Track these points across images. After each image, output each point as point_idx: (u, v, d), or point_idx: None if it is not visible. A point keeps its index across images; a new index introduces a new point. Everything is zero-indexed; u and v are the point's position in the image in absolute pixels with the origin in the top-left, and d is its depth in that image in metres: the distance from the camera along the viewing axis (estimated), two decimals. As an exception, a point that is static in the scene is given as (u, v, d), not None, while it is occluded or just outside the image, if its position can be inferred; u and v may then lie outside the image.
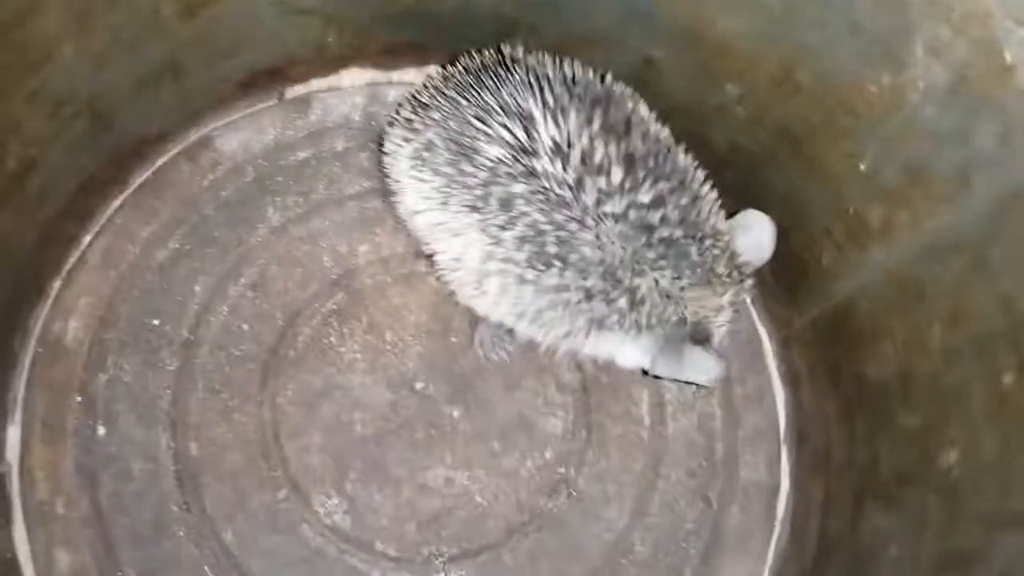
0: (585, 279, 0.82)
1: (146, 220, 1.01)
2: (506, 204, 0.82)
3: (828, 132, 0.90)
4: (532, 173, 0.81)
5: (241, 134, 1.06)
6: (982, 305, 0.78)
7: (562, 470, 1.02)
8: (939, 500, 0.79)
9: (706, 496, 1.04)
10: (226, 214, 1.04)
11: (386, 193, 0.96)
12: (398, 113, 0.92)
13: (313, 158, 1.07)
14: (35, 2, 0.72)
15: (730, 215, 0.90)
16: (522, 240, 0.82)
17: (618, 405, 1.05)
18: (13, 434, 0.93)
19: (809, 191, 0.96)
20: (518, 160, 0.81)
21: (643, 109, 0.88)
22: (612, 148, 0.81)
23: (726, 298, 0.86)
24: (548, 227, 0.81)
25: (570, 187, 0.80)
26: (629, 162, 0.81)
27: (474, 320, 1.03)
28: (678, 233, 0.82)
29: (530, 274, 0.83)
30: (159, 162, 1.02)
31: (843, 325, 0.97)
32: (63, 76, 0.80)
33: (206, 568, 0.95)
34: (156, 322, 0.99)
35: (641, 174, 0.82)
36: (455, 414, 1.02)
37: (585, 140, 0.81)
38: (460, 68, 0.89)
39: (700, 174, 0.87)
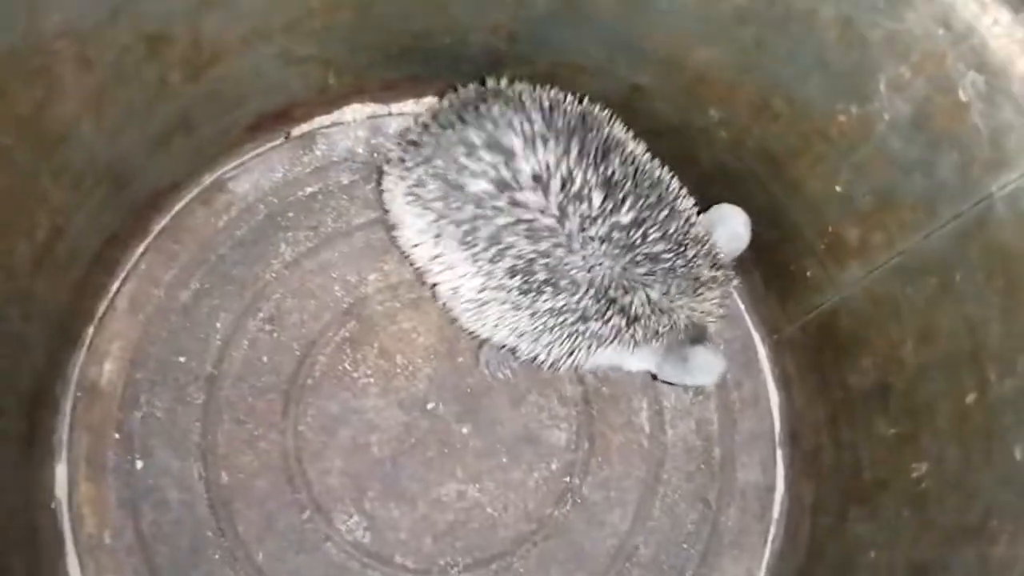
0: (579, 301, 0.87)
1: (168, 264, 1.08)
2: (494, 237, 0.86)
3: (806, 156, 0.94)
4: (516, 204, 0.85)
5: (251, 175, 1.12)
6: (949, 326, 0.82)
7: (567, 479, 1.09)
8: (911, 510, 0.84)
9: (705, 498, 1.10)
10: (241, 252, 1.10)
11: (389, 226, 1.02)
12: (392, 151, 0.97)
13: (320, 192, 1.13)
14: (52, 92, 0.78)
15: (703, 210, 0.94)
16: (512, 271, 0.87)
17: (619, 415, 1.11)
18: (61, 473, 1.01)
19: (791, 209, 1.00)
20: (501, 193, 0.85)
21: (618, 130, 0.91)
22: (591, 173, 0.85)
23: (714, 298, 0.92)
24: (535, 256, 0.85)
25: (554, 215, 0.84)
26: (608, 185, 0.85)
27: (479, 342, 1.09)
28: (661, 247, 0.87)
29: (524, 301, 0.88)
30: (176, 208, 1.09)
31: (828, 335, 1.02)
32: (82, 151, 0.86)
33: (241, 588, 1.03)
34: (182, 360, 1.06)
35: (620, 195, 0.86)
36: (464, 431, 1.09)
37: (564, 169, 0.85)
38: (445, 104, 0.94)
39: (675, 184, 0.92)
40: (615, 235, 0.85)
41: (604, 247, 0.85)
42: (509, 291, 0.88)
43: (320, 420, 1.07)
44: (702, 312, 0.91)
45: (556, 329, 0.89)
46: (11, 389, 0.91)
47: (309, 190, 1.13)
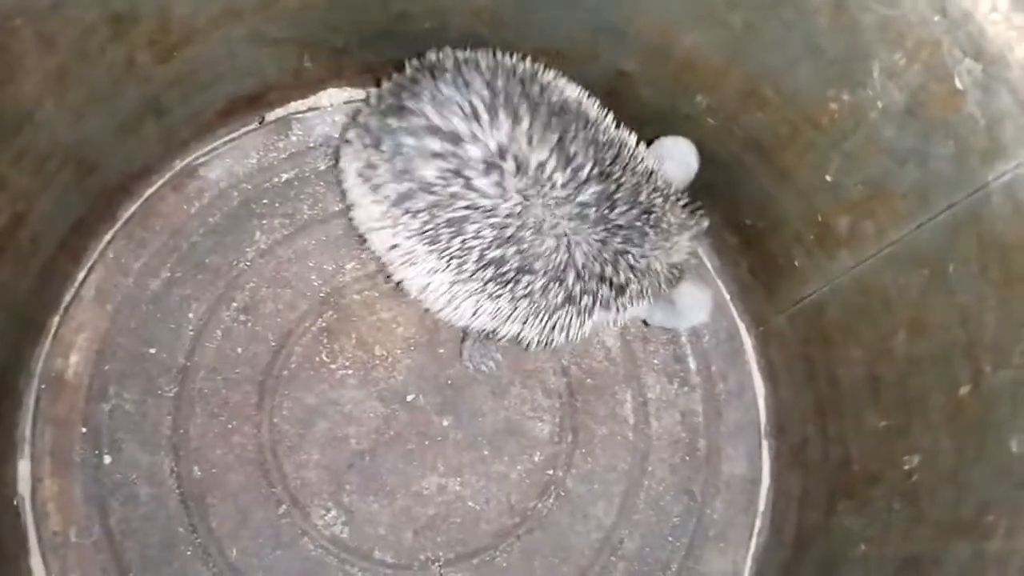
0: (562, 281, 0.85)
1: (137, 252, 1.04)
2: (455, 227, 0.83)
3: (795, 144, 0.92)
4: (472, 189, 0.81)
5: (224, 160, 1.08)
6: (942, 317, 0.81)
7: (551, 472, 1.07)
8: (902, 503, 0.83)
9: (690, 491, 1.09)
10: (214, 240, 1.07)
11: (347, 207, 0.97)
12: (348, 132, 0.93)
13: (296, 178, 1.10)
14: (10, 71, 0.74)
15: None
16: (482, 262, 0.84)
17: (603, 406, 1.09)
18: (24, 468, 0.97)
19: (780, 197, 0.98)
20: (456, 179, 0.81)
21: (564, 87, 0.88)
22: (546, 149, 0.82)
23: (685, 241, 0.91)
24: (504, 243, 0.82)
25: (514, 199, 0.81)
26: (567, 160, 0.82)
27: (462, 334, 1.06)
28: (632, 214, 0.85)
29: (501, 290, 0.86)
30: (146, 194, 1.05)
31: (816, 326, 1.00)
32: (45, 134, 0.82)
33: (215, 584, 1.01)
34: (153, 351, 1.03)
35: (581, 169, 0.82)
36: (445, 423, 1.06)
37: (517, 148, 0.81)
38: (387, 87, 0.89)
39: (631, 139, 0.89)
40: (586, 212, 0.83)
41: (575, 224, 0.83)
42: (485, 282, 0.85)
43: (296, 412, 1.04)
44: (678, 256, 0.90)
45: (542, 312, 0.87)
46: (-29, 382, 0.87)
47: (285, 176, 1.09)
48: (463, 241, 0.83)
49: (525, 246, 0.83)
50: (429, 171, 0.82)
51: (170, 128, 1.01)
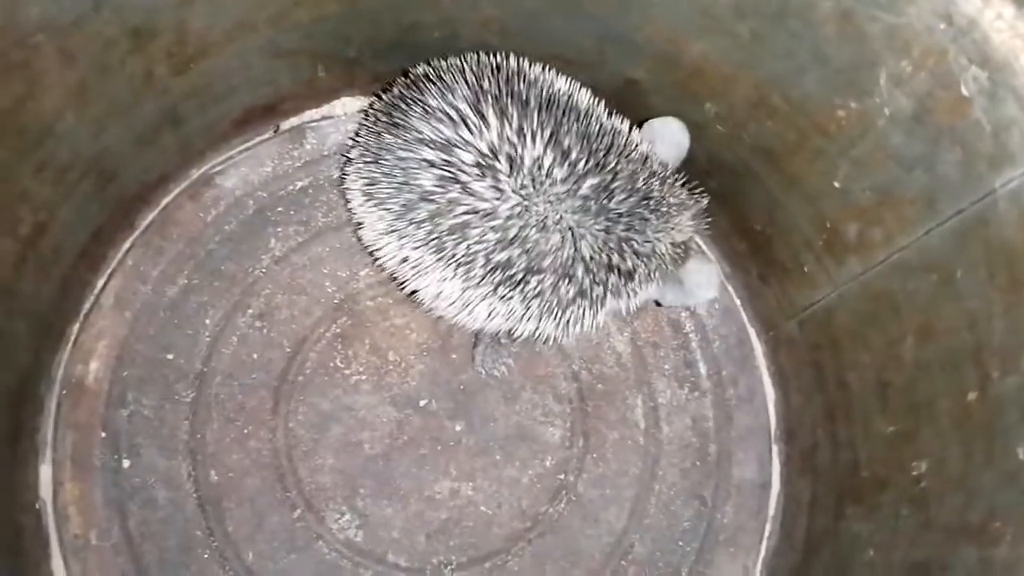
0: (572, 277, 0.86)
1: (155, 260, 1.06)
2: (458, 234, 0.84)
3: (803, 151, 0.92)
4: (470, 194, 0.83)
5: (240, 169, 1.10)
6: (950, 323, 0.81)
7: (562, 477, 1.08)
8: (910, 508, 0.83)
9: (701, 495, 1.09)
10: (230, 247, 1.08)
11: (354, 225, 0.99)
12: (349, 149, 0.96)
13: (311, 186, 1.11)
14: (33, 86, 0.76)
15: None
16: (489, 267, 0.85)
17: (614, 411, 1.10)
18: (45, 472, 0.99)
19: (789, 204, 0.99)
20: (453, 185, 0.83)
21: (553, 80, 0.89)
22: (541, 146, 0.82)
23: (686, 220, 0.91)
24: (508, 244, 0.83)
25: (514, 200, 0.82)
26: (563, 155, 0.83)
27: (473, 340, 1.08)
28: (632, 201, 0.86)
29: (512, 292, 0.87)
30: (163, 203, 1.07)
31: (825, 331, 1.01)
32: (66, 146, 0.84)
33: (231, 587, 1.02)
34: (170, 357, 1.05)
35: (578, 163, 0.83)
36: (458, 428, 1.08)
37: (510, 148, 0.82)
38: (377, 105, 0.91)
39: (623, 126, 0.90)
40: (587, 204, 0.84)
41: (578, 217, 0.84)
42: (495, 286, 0.86)
43: (311, 417, 1.06)
44: (680, 236, 0.91)
45: (555, 308, 0.88)
46: (-5, 388, 0.89)
47: (299, 184, 1.11)
48: (468, 246, 0.84)
49: (530, 245, 0.84)
50: (426, 180, 0.83)
51: (187, 138, 1.03)
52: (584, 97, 0.89)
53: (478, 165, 0.82)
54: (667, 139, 0.93)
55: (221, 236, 1.08)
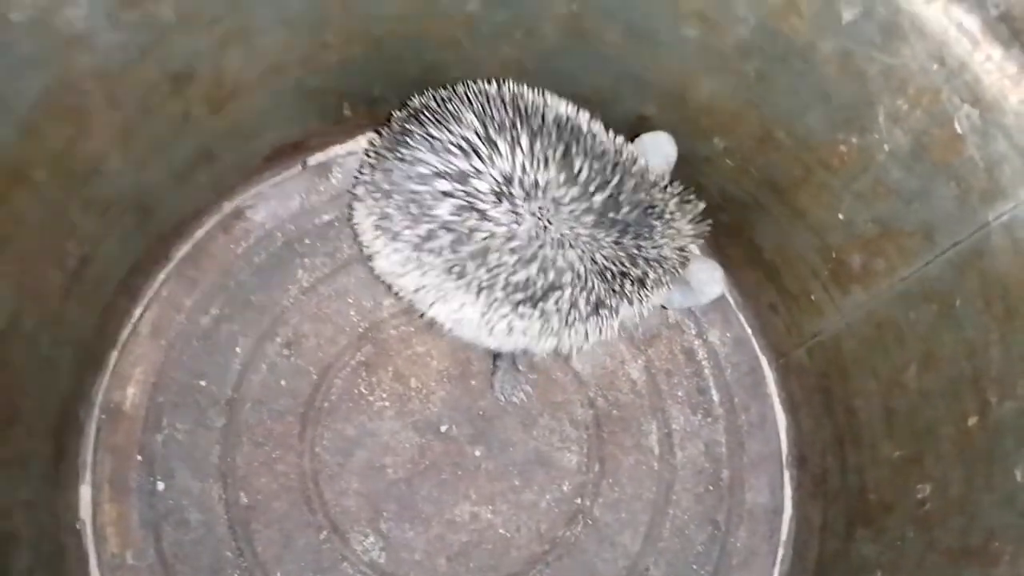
0: (591, 288, 0.89)
1: (189, 290, 1.11)
2: (480, 259, 0.86)
3: (809, 184, 0.96)
4: (487, 219, 0.85)
5: (269, 203, 1.15)
6: (951, 351, 0.84)
7: (578, 501, 1.11)
8: (916, 531, 0.86)
9: (715, 520, 1.12)
10: (260, 278, 1.13)
11: (365, 258, 1.01)
12: (356, 187, 0.98)
13: (337, 219, 1.16)
14: (82, 128, 0.82)
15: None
16: (509, 288, 0.88)
17: (629, 437, 1.13)
18: (85, 494, 1.04)
19: (796, 235, 1.02)
20: (470, 213, 0.85)
21: (554, 104, 0.91)
22: (552, 167, 0.85)
23: (688, 225, 0.95)
24: (527, 265, 0.86)
25: (531, 222, 0.85)
26: (572, 175, 0.86)
27: (492, 367, 1.12)
28: (636, 213, 0.89)
29: (532, 311, 0.90)
30: (197, 236, 1.12)
31: (833, 358, 1.03)
32: (110, 183, 0.90)
33: (260, 605, 1.06)
34: (203, 383, 1.09)
35: (587, 182, 0.86)
36: (477, 453, 1.11)
37: (523, 174, 0.84)
38: (382, 142, 0.93)
39: (620, 141, 0.93)
40: (600, 219, 0.87)
41: (591, 232, 0.87)
42: (515, 304, 0.89)
43: (336, 442, 1.10)
44: (683, 240, 0.95)
45: (576, 320, 0.91)
46: (40, 412, 0.94)
47: (326, 217, 1.16)
48: (488, 270, 0.87)
49: (548, 263, 0.87)
50: (443, 210, 0.86)
51: (220, 174, 1.08)
52: (583, 118, 0.92)
53: (494, 192, 0.85)
54: (657, 151, 0.97)
55: (251, 267, 1.13)
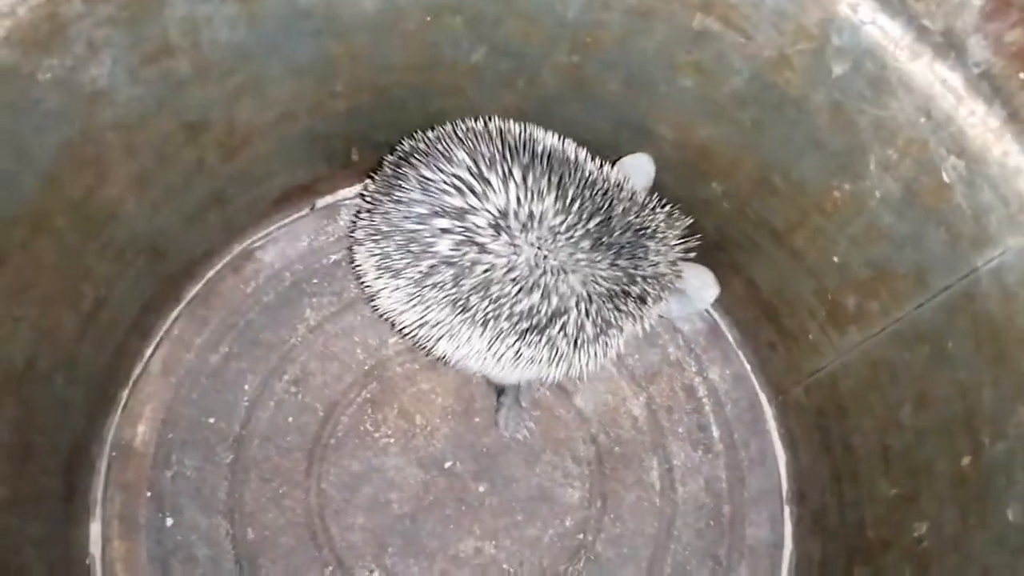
0: (592, 310, 0.91)
1: (199, 329, 1.14)
2: (482, 291, 0.88)
3: (804, 227, 0.99)
4: (488, 252, 0.87)
5: (278, 244, 1.17)
6: (944, 391, 0.86)
7: (581, 536, 1.12)
8: (913, 569, 0.87)
9: (715, 555, 1.13)
10: (268, 317, 1.15)
11: (367, 298, 1.03)
12: (355, 230, 1.00)
13: (344, 260, 1.18)
14: (101, 177, 0.85)
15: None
16: (514, 318, 0.90)
17: (630, 473, 1.15)
18: (95, 530, 1.05)
19: (793, 276, 1.05)
20: (470, 248, 0.87)
21: (541, 136, 0.94)
22: (545, 199, 0.87)
23: (675, 239, 0.98)
24: (529, 294, 0.88)
25: (530, 253, 0.87)
26: (565, 203, 0.88)
27: (496, 403, 1.14)
28: (628, 236, 0.91)
29: (539, 338, 0.91)
30: (207, 276, 1.14)
31: (831, 396, 1.05)
32: (125, 228, 0.93)
33: (266, 641, 1.07)
34: (212, 420, 1.11)
35: (580, 209, 0.88)
36: (481, 489, 1.13)
37: (517, 207, 0.87)
38: (376, 186, 0.96)
39: (607, 169, 0.95)
40: (596, 244, 0.89)
41: (588, 256, 0.89)
42: (521, 333, 0.91)
43: (342, 478, 1.11)
44: (674, 254, 0.98)
45: (585, 343, 0.93)
46: (54, 450, 0.96)
47: (333, 258, 1.18)
48: (492, 301, 0.89)
49: (550, 290, 0.89)
50: (444, 246, 0.88)
51: (231, 216, 1.11)
52: (571, 148, 0.95)
53: (491, 226, 0.87)
54: (638, 171, 1.00)
55: (260, 307, 1.16)
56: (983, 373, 0.81)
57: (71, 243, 0.87)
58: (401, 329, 1.01)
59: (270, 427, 1.12)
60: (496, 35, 0.94)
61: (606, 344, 0.96)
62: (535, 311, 0.89)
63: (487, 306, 0.89)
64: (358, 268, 1.01)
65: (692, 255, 1.00)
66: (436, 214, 0.88)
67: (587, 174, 0.92)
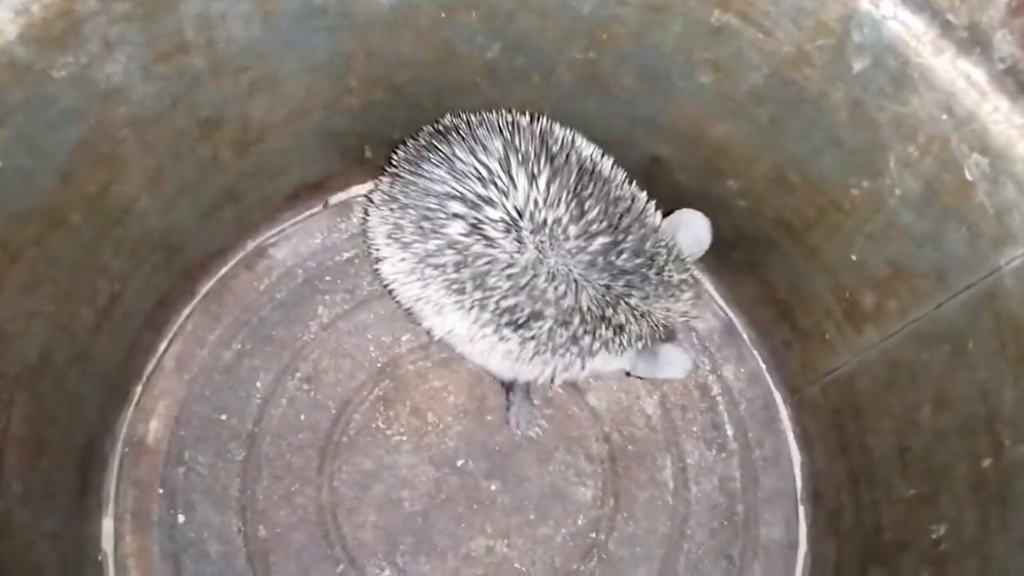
0: (568, 324, 0.90)
1: (212, 326, 1.13)
2: (479, 281, 0.89)
3: (821, 225, 0.98)
4: (493, 246, 0.87)
5: (291, 241, 1.17)
6: (964, 392, 0.85)
7: (593, 535, 1.12)
8: (930, 571, 0.86)
9: (729, 555, 1.13)
10: (281, 314, 1.15)
11: (372, 260, 1.03)
12: (374, 194, 1.01)
13: (357, 257, 1.18)
14: (116, 173, 0.85)
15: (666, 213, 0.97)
16: (498, 311, 0.90)
17: (643, 472, 1.14)
18: (107, 526, 1.06)
19: (810, 274, 1.04)
20: (477, 239, 0.87)
21: (580, 144, 0.93)
22: (562, 207, 0.87)
23: (687, 300, 0.95)
24: (518, 291, 0.88)
25: (532, 254, 0.87)
26: (581, 215, 0.88)
27: (507, 402, 1.13)
28: (636, 262, 0.90)
29: (512, 335, 0.91)
30: (221, 272, 1.14)
31: (847, 396, 1.04)
32: (140, 223, 0.93)
33: (277, 638, 1.07)
34: (224, 417, 1.11)
35: (594, 223, 0.88)
36: (493, 488, 1.12)
37: (534, 209, 0.87)
38: (404, 155, 0.96)
39: (641, 195, 0.94)
40: (595, 260, 0.88)
41: (584, 271, 0.89)
42: (499, 327, 0.91)
43: (354, 476, 1.11)
44: (676, 312, 0.95)
45: (548, 352, 0.93)
46: (67, 445, 0.96)
47: (346, 255, 1.18)
48: (484, 291, 0.89)
49: (537, 293, 0.88)
50: (453, 230, 0.88)
51: (244, 213, 1.11)
52: (607, 164, 0.94)
53: (504, 222, 0.87)
54: (691, 229, 0.97)
55: (273, 304, 1.15)
56: (1005, 373, 0.80)
57: (86, 239, 0.86)
58: (395, 296, 1.00)
59: (282, 424, 1.12)
60: (511, 31, 0.93)
61: (568, 362, 0.94)
62: (518, 308, 0.90)
63: (479, 295, 0.90)
64: (368, 230, 1.00)
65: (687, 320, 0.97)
66: (454, 197, 0.89)
67: (614, 191, 0.91)
